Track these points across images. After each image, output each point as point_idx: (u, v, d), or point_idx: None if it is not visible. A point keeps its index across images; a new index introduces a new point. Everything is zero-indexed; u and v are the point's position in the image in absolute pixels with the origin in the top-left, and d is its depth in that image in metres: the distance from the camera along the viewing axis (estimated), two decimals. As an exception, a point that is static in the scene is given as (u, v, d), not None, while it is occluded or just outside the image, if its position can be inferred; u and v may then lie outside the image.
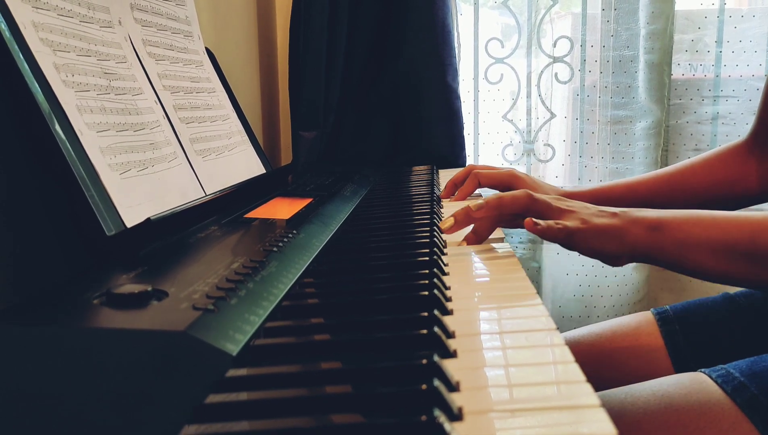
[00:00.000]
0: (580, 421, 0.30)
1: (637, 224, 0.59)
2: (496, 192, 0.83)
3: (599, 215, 0.61)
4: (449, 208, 0.88)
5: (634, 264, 1.44)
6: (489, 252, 0.62)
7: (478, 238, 0.66)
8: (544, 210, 0.62)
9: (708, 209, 0.85)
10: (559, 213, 0.61)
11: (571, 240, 0.59)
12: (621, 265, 0.60)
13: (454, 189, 0.97)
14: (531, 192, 0.63)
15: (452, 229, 0.66)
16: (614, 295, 1.47)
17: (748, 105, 1.41)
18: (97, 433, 0.28)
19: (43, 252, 0.53)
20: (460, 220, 0.66)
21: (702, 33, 1.42)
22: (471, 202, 0.66)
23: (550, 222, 0.60)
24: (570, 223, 0.59)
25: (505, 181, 0.93)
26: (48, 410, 0.28)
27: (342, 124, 1.35)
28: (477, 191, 0.97)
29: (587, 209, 0.61)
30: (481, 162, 1.51)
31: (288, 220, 0.66)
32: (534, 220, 0.60)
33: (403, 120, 1.34)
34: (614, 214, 0.60)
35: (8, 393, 0.30)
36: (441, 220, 0.76)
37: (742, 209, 0.84)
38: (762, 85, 1.36)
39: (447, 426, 0.28)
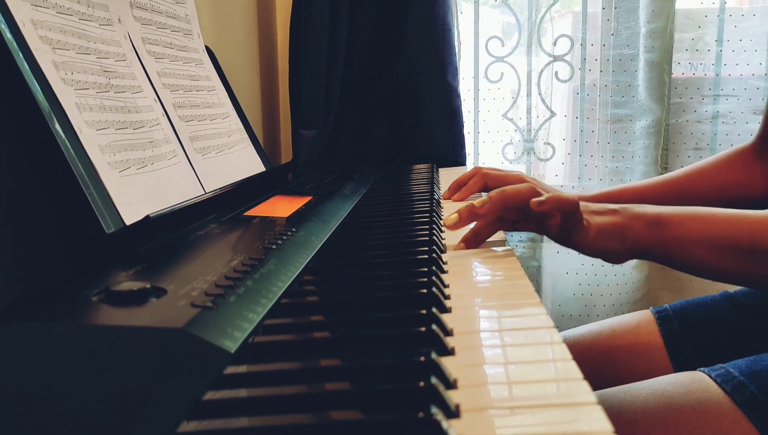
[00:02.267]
0: (578, 419, 0.30)
1: (637, 220, 0.58)
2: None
3: (599, 213, 0.60)
4: (449, 207, 0.87)
5: (634, 262, 1.44)
6: (488, 251, 0.62)
7: (476, 240, 0.63)
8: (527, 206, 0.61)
9: None
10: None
11: (570, 238, 0.59)
12: (622, 262, 0.60)
13: (459, 189, 0.93)
14: (535, 185, 0.62)
15: (456, 226, 0.65)
16: (614, 294, 1.47)
17: (748, 104, 1.41)
18: (96, 429, 0.28)
19: (43, 249, 0.53)
20: (464, 216, 0.64)
21: (702, 32, 1.42)
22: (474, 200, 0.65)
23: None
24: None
25: (512, 182, 0.91)
26: (47, 406, 0.28)
27: (342, 123, 1.35)
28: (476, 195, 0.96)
29: (586, 207, 0.61)
30: (481, 161, 1.51)
31: (287, 218, 0.66)
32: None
33: (404, 119, 1.34)
34: (614, 211, 0.60)
35: (8, 389, 0.30)
36: (441, 218, 0.76)
37: None
38: (763, 85, 1.36)
39: (444, 423, 0.28)
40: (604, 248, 0.59)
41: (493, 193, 0.63)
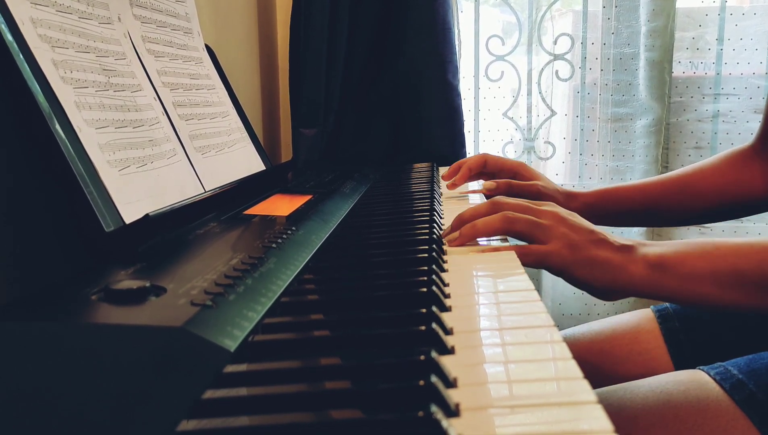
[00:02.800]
0: (578, 417, 0.30)
1: (636, 263, 0.56)
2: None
3: (599, 244, 0.57)
4: (450, 206, 0.87)
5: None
6: (489, 249, 0.62)
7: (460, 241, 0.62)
8: (527, 232, 0.59)
9: (717, 212, 0.86)
10: (547, 234, 0.58)
11: (547, 261, 0.57)
12: (612, 299, 0.58)
13: (467, 173, 0.93)
14: (508, 214, 0.60)
15: (455, 243, 0.62)
16: (614, 293, 1.47)
17: (749, 103, 1.41)
18: (96, 428, 0.28)
19: (43, 248, 0.53)
20: (466, 235, 0.62)
21: (703, 31, 1.42)
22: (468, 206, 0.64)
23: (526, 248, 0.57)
24: (550, 246, 0.57)
25: (514, 169, 0.91)
26: (46, 406, 0.28)
27: (342, 121, 1.35)
28: (477, 196, 0.95)
29: (591, 235, 0.58)
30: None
31: (287, 217, 0.66)
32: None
33: (404, 117, 1.34)
34: (619, 249, 0.57)
35: (7, 388, 0.30)
36: (441, 217, 0.76)
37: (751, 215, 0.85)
38: (764, 84, 1.36)
39: (444, 422, 0.28)
40: (585, 280, 0.57)
41: (464, 229, 0.61)
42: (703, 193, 0.84)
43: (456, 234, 0.62)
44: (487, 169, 0.93)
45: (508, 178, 0.88)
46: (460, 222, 0.63)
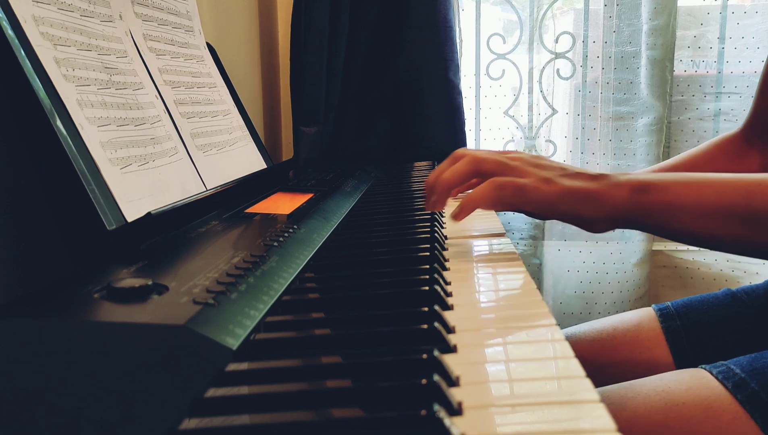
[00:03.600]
0: (580, 416, 0.30)
1: (619, 187, 0.54)
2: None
3: (573, 177, 0.56)
4: (451, 204, 0.87)
5: (635, 260, 1.44)
6: (490, 247, 0.62)
7: (471, 203, 0.58)
8: (495, 171, 0.57)
9: None
10: (518, 173, 0.56)
11: (525, 200, 0.55)
12: (599, 231, 0.56)
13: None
14: (476, 155, 0.58)
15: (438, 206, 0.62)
16: (615, 292, 1.47)
17: (750, 102, 1.40)
18: (98, 426, 0.28)
19: (45, 246, 0.53)
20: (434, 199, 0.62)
21: (704, 29, 1.41)
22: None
23: (483, 186, 0.55)
24: (524, 180, 0.55)
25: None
26: (48, 403, 0.28)
27: (343, 120, 1.35)
28: None
29: (561, 171, 0.57)
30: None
31: (289, 215, 0.66)
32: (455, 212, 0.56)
33: (405, 116, 1.34)
34: (594, 177, 0.56)
35: (10, 385, 0.30)
36: (442, 216, 0.76)
37: None
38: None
39: (446, 421, 0.28)
40: (571, 213, 0.55)
41: (439, 181, 0.61)
42: None
43: (433, 198, 0.61)
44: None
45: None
46: (429, 187, 0.62)
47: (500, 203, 0.56)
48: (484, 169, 0.58)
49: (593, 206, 0.55)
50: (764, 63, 0.79)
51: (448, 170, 0.60)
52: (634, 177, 0.55)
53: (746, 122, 0.83)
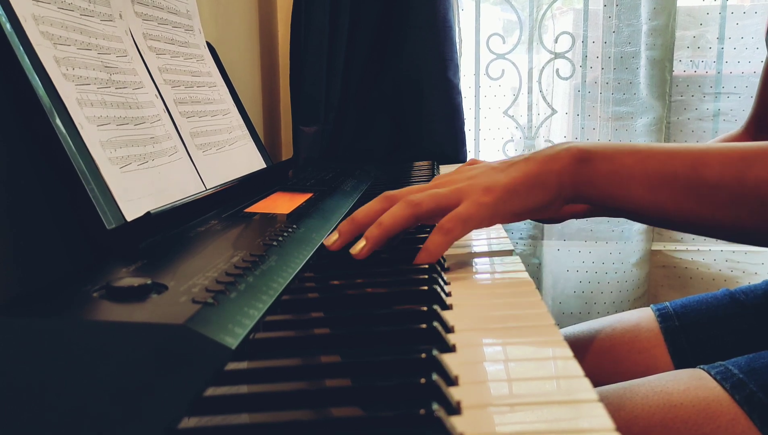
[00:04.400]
0: (578, 416, 0.30)
1: (559, 158, 0.51)
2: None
3: (506, 170, 0.51)
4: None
5: (634, 260, 1.44)
6: (489, 247, 0.62)
7: (429, 256, 0.52)
8: (437, 207, 0.52)
9: None
10: (456, 197, 0.52)
11: (481, 221, 0.51)
12: (557, 216, 0.52)
13: None
14: (411, 198, 0.52)
15: (334, 247, 0.55)
16: (614, 292, 1.47)
17: (750, 102, 1.40)
18: (97, 425, 0.28)
19: (44, 245, 0.53)
20: (342, 238, 0.55)
21: (704, 29, 1.42)
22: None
23: (434, 236, 0.50)
24: (463, 207, 0.50)
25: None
26: (47, 402, 0.28)
27: (343, 119, 1.35)
28: None
29: (492, 171, 0.52)
30: (482, 158, 1.51)
31: (288, 215, 0.66)
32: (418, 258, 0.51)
33: (404, 116, 1.34)
34: (527, 159, 0.51)
35: (8, 384, 0.30)
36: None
37: None
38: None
39: (445, 420, 0.28)
40: (524, 209, 0.51)
41: (369, 232, 0.53)
42: None
43: (362, 242, 0.53)
44: None
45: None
46: (355, 225, 0.54)
47: (457, 238, 0.52)
48: (425, 209, 0.52)
49: (540, 190, 0.51)
50: (764, 61, 0.79)
51: (386, 215, 0.53)
52: (572, 145, 0.52)
53: (749, 120, 0.83)
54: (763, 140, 0.75)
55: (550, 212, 0.53)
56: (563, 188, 0.51)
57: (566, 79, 1.47)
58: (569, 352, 0.36)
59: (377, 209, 0.54)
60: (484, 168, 0.54)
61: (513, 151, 1.51)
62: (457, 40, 1.40)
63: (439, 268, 0.52)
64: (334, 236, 0.55)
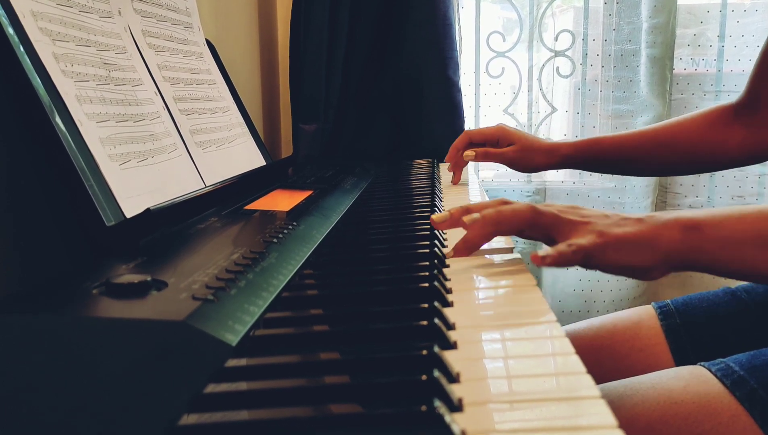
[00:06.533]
0: (581, 413, 0.29)
1: (669, 227, 0.52)
2: (499, 190, 0.80)
3: (621, 224, 0.53)
4: (450, 203, 0.87)
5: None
6: (489, 244, 0.62)
7: (467, 248, 0.58)
8: (552, 224, 0.55)
9: (689, 167, 0.90)
10: (570, 227, 0.54)
11: (589, 260, 0.52)
12: (655, 278, 0.54)
13: (455, 153, 1.02)
14: (535, 205, 0.56)
15: (442, 225, 0.60)
16: (615, 290, 1.47)
17: (750, 100, 1.41)
18: (97, 421, 0.27)
19: (44, 242, 0.53)
20: (455, 217, 0.59)
21: (704, 27, 1.41)
22: (472, 203, 0.60)
23: (561, 247, 0.52)
24: (584, 240, 0.52)
25: (495, 135, 0.99)
26: (47, 399, 0.28)
27: (343, 118, 1.35)
28: (477, 189, 0.97)
29: (606, 219, 0.55)
30: (482, 156, 1.51)
31: (288, 212, 0.66)
32: (541, 255, 0.52)
33: (404, 113, 1.34)
34: (640, 220, 0.53)
35: (8, 381, 0.30)
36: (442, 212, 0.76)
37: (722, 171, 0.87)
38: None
39: (447, 417, 0.28)
40: (630, 264, 0.52)
41: (487, 212, 0.57)
42: (677, 149, 0.87)
43: (446, 213, 0.59)
44: (473, 142, 1.01)
45: (490, 146, 0.99)
46: (467, 213, 0.59)
47: (570, 264, 0.53)
48: (540, 223, 0.55)
49: (648, 252, 0.52)
50: (761, 46, 0.79)
51: (509, 207, 0.56)
52: (680, 215, 0.53)
53: (739, 98, 0.84)
54: (747, 118, 0.75)
55: (651, 276, 0.54)
56: (671, 256, 0.52)
57: (566, 77, 1.47)
58: (571, 348, 0.36)
59: (493, 204, 0.58)
60: (593, 211, 0.56)
61: (513, 149, 1.50)
62: (457, 38, 1.40)
63: (439, 265, 0.52)
64: (445, 215, 0.60)
